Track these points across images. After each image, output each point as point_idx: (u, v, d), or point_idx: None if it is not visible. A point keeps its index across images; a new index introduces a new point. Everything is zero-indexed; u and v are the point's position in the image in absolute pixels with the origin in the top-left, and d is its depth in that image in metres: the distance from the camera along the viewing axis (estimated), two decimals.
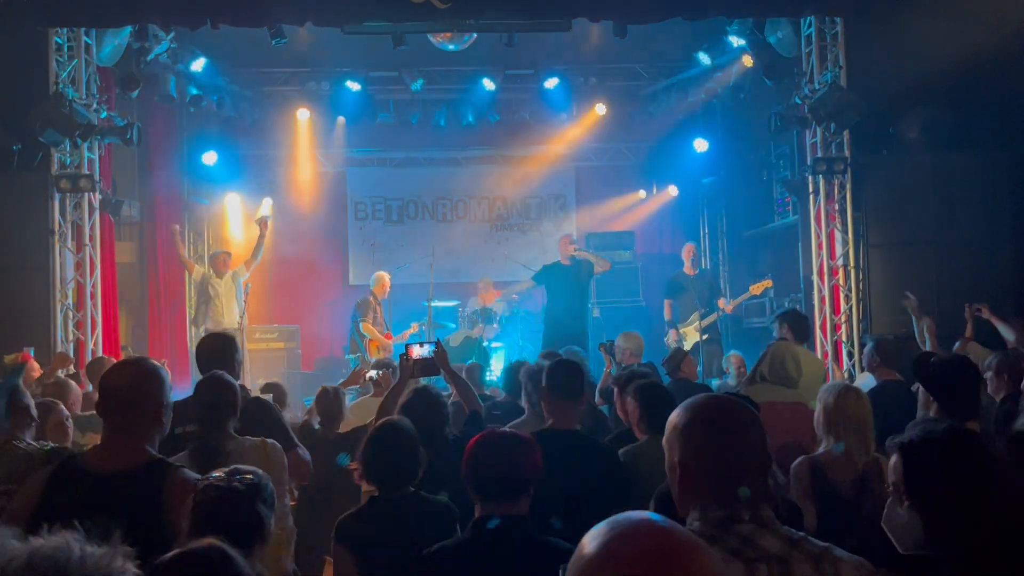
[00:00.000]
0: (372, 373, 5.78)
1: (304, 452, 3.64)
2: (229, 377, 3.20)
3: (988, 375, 4.08)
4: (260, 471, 2.22)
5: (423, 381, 4.58)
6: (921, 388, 3.32)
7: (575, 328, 8.42)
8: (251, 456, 2.80)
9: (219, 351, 3.60)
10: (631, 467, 3.47)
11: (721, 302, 9.06)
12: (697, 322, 8.70)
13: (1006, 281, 7.60)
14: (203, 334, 8.68)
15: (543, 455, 2.64)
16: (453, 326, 10.66)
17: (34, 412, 3.47)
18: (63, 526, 2.12)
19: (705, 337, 8.60)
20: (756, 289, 8.90)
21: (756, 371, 4.77)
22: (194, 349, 9.31)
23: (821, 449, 3.30)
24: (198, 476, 2.25)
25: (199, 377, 3.32)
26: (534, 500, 2.57)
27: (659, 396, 3.66)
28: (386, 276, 9.62)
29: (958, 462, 1.86)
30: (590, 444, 3.60)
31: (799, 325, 5.78)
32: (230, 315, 8.69)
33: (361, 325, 9.12)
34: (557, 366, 3.73)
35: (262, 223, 9.12)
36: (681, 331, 8.92)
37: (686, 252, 9.31)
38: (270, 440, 3.09)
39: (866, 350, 5.15)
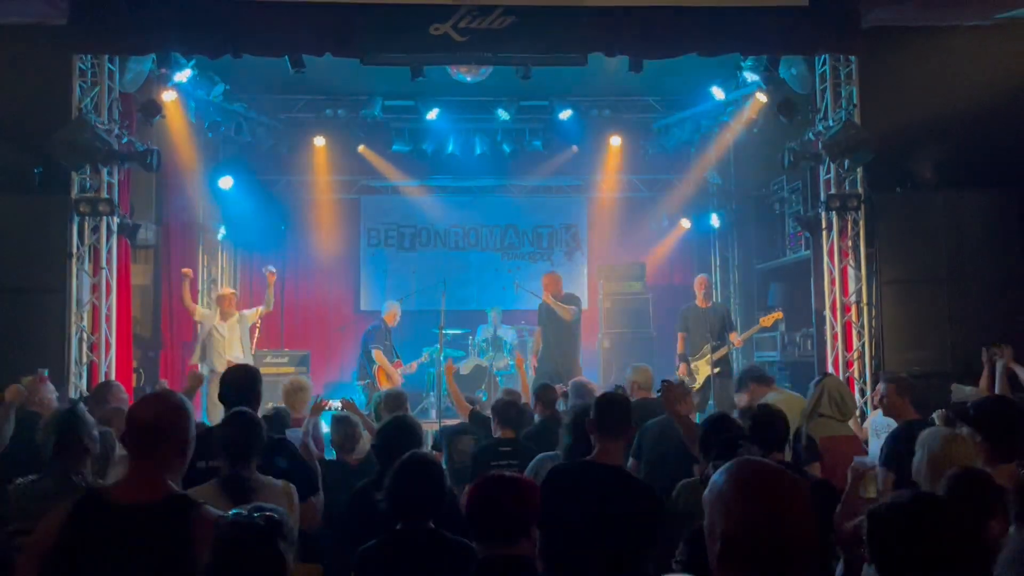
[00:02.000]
0: (335, 404, 5.88)
1: (319, 501, 3.70)
2: (255, 415, 3.23)
3: None
4: (282, 508, 2.23)
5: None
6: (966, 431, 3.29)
7: (562, 365, 8.55)
8: (276, 495, 2.81)
9: (245, 384, 3.65)
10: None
11: (733, 335, 9.02)
12: (708, 355, 8.67)
13: (1018, 318, 7.57)
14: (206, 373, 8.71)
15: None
16: (463, 354, 10.68)
17: (89, 444, 3.35)
18: (86, 560, 2.14)
19: (717, 371, 8.56)
20: (766, 321, 8.88)
21: (814, 407, 4.82)
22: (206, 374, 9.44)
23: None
24: (221, 512, 2.26)
25: (215, 407, 3.36)
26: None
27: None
28: (397, 305, 9.68)
29: (921, 529, 1.85)
30: (629, 480, 3.53)
31: (760, 375, 5.99)
32: (232, 356, 8.69)
33: (372, 352, 9.15)
34: (604, 402, 3.65)
35: (269, 273, 9.19)
36: (693, 364, 8.87)
37: (699, 284, 9.28)
38: (292, 484, 3.12)
39: (883, 389, 5.11)
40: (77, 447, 3.31)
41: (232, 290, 9.45)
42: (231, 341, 8.84)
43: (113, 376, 7.67)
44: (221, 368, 8.54)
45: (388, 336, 9.40)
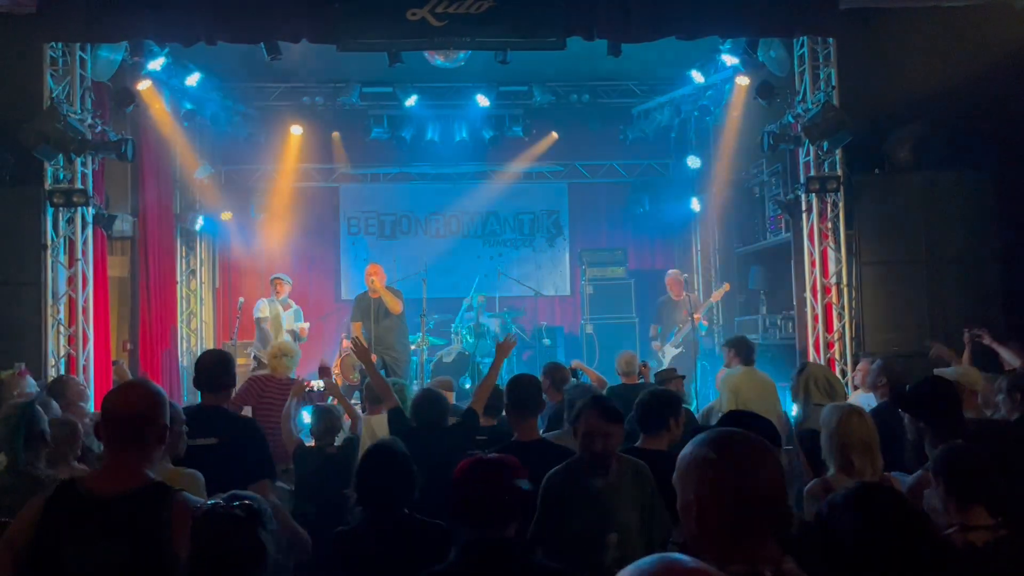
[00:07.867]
0: (317, 383, 5.94)
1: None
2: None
3: (1000, 397, 4.09)
4: (260, 496, 2.20)
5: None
6: (907, 416, 3.33)
7: (393, 360, 8.73)
8: None
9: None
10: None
11: (696, 315, 9.27)
12: (675, 338, 9.24)
13: (995, 298, 7.65)
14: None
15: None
16: (446, 342, 10.65)
17: (48, 437, 3.39)
18: (65, 552, 2.11)
19: (680, 351, 9.12)
20: (716, 296, 9.82)
21: (807, 397, 4.84)
22: (185, 364, 9.40)
23: (830, 472, 3.28)
24: (199, 500, 2.23)
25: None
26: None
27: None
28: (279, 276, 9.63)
29: (871, 521, 1.74)
30: (549, 448, 3.84)
31: (744, 349, 6.10)
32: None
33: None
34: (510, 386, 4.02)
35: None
36: (664, 348, 9.46)
37: (672, 282, 9.77)
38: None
39: (872, 368, 5.12)
40: (40, 440, 3.32)
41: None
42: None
43: (92, 369, 7.59)
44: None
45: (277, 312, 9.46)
